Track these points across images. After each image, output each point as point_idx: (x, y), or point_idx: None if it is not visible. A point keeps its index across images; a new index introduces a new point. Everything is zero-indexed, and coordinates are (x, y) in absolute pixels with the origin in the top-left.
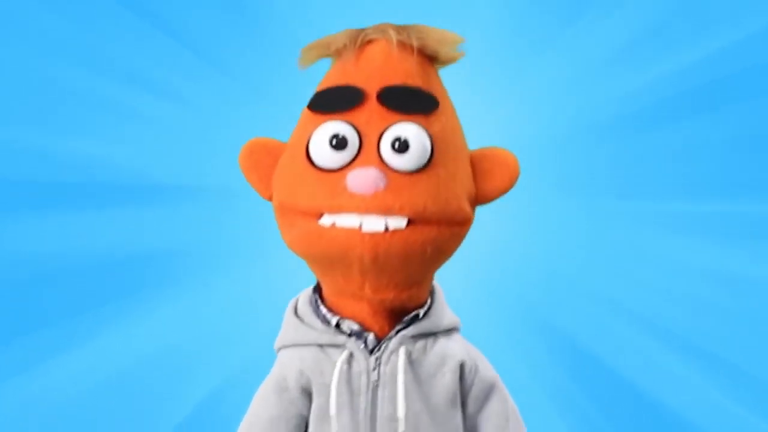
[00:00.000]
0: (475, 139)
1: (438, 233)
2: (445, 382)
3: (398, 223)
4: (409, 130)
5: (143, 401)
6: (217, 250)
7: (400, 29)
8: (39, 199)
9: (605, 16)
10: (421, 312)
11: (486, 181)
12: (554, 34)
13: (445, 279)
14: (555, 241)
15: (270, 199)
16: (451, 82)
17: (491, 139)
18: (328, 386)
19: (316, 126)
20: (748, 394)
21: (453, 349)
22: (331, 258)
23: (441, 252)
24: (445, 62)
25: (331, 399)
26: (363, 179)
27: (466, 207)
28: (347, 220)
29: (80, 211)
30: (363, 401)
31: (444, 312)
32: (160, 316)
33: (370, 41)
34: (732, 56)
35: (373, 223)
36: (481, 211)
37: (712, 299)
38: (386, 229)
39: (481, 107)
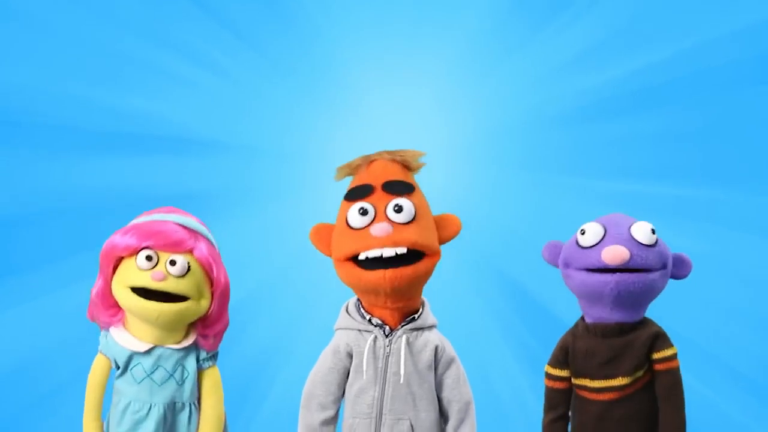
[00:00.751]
0: (457, 120)
1: (424, 268)
2: (426, 356)
3: (402, 250)
4: (402, 200)
5: None
6: (240, 194)
7: (390, 152)
8: (103, 144)
9: (566, 28)
10: (416, 316)
11: (443, 231)
12: (524, 39)
13: None
14: (514, 205)
15: (330, 255)
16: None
17: (469, 120)
18: (362, 353)
19: (349, 207)
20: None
21: (432, 338)
22: (368, 290)
23: (423, 279)
24: (414, 169)
25: (364, 360)
26: (380, 229)
27: (436, 244)
28: (373, 253)
29: (134, 156)
30: (381, 363)
31: (428, 317)
32: None
33: (373, 160)
34: (663, 67)
35: (388, 252)
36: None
37: None
38: (396, 254)
39: (462, 96)
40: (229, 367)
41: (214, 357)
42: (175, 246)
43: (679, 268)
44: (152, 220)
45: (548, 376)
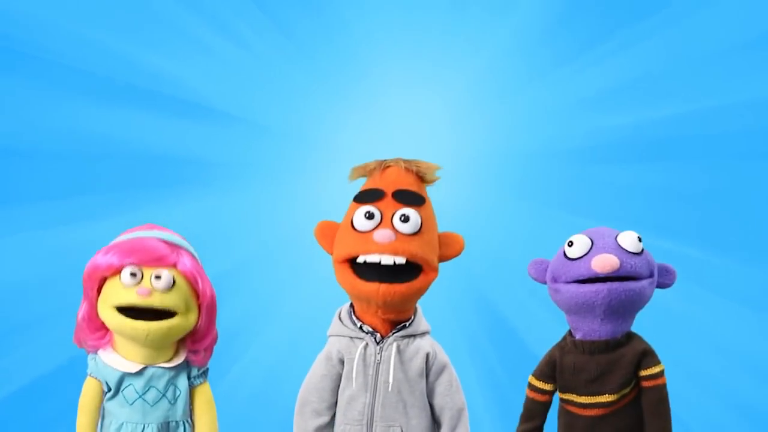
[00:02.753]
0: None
1: (418, 286)
2: (417, 363)
3: (400, 260)
4: (410, 211)
5: None
6: (239, 168)
7: (406, 161)
8: (113, 94)
9: (590, 67)
10: (407, 323)
11: (446, 249)
12: (547, 70)
13: None
14: (506, 232)
15: (332, 253)
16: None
17: (479, 139)
18: (353, 360)
19: (356, 209)
20: None
21: (423, 345)
22: (361, 298)
23: (417, 296)
24: (429, 182)
25: (354, 368)
26: (383, 235)
27: (435, 261)
28: (372, 258)
29: (142, 111)
30: (371, 370)
31: (420, 323)
32: (183, 210)
33: (388, 166)
34: (679, 122)
35: (386, 260)
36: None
37: None
38: (394, 263)
39: (476, 114)
40: None
41: (204, 374)
42: (158, 261)
43: (664, 277)
44: (132, 238)
45: (531, 387)
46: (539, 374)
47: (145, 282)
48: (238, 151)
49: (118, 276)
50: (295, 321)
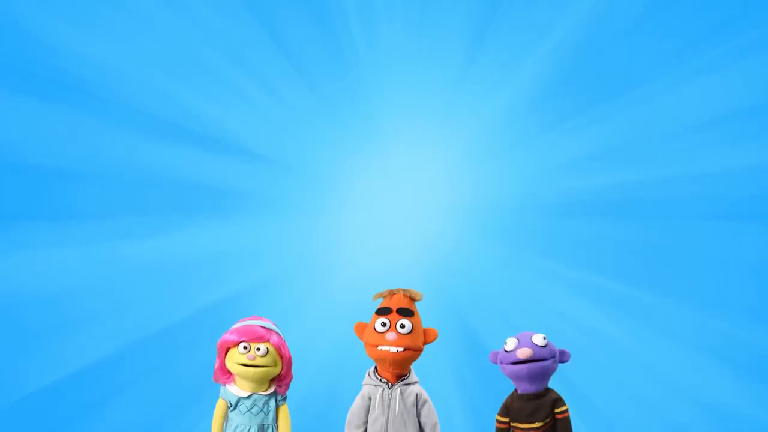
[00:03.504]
0: (461, 189)
1: (412, 355)
2: (411, 399)
3: (400, 349)
4: (405, 321)
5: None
6: (267, 201)
7: (405, 291)
8: (164, 132)
9: (567, 135)
10: (406, 377)
11: (427, 336)
12: (531, 136)
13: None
14: (488, 272)
15: (362, 339)
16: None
17: (471, 191)
18: (376, 397)
19: (377, 319)
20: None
21: (415, 389)
22: (380, 361)
23: (412, 360)
24: (417, 300)
25: (376, 403)
26: (391, 336)
27: (421, 346)
28: (385, 348)
29: (187, 148)
30: (386, 403)
31: (413, 377)
32: (217, 233)
33: (394, 294)
34: (640, 187)
35: (393, 349)
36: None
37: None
38: (397, 351)
39: (470, 170)
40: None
41: (284, 399)
42: (259, 339)
43: (563, 356)
44: (244, 325)
45: (498, 420)
46: (500, 413)
47: (251, 351)
48: (267, 186)
49: (236, 347)
50: (301, 339)
